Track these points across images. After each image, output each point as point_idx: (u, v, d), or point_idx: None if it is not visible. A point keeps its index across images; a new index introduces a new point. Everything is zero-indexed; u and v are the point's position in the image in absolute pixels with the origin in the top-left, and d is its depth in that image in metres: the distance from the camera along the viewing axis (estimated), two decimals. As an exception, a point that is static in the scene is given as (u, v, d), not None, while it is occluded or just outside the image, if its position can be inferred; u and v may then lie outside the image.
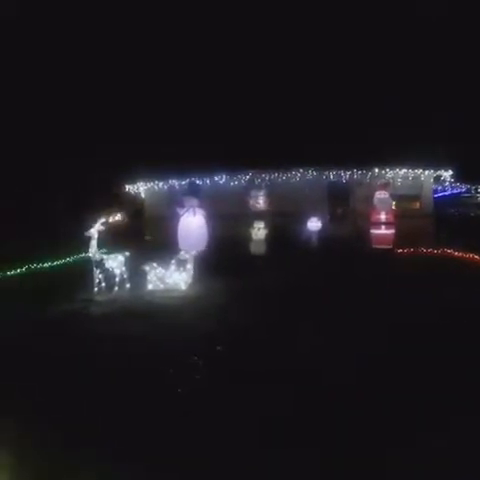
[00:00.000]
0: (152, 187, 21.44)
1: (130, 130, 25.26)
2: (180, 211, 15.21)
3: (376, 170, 20.01)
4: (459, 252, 15.99)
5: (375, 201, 18.09)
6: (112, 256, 10.64)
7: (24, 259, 15.81)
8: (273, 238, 17.01)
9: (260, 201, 20.86)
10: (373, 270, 13.64)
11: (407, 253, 17.52)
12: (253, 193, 20.80)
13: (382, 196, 18.05)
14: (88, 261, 12.00)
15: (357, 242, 18.47)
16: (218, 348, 6.48)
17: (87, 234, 10.58)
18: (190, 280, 10.94)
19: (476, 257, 14.44)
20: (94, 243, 10.54)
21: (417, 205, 21.58)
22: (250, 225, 17.20)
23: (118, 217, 11.02)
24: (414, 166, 20.64)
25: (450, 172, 21.17)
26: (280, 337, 7.20)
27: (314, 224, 18.22)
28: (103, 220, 10.73)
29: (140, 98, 25.86)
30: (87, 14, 30.03)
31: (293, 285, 11.43)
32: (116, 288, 10.58)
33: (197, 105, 21.35)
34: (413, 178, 21.08)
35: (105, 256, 10.60)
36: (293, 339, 7.07)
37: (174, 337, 7.23)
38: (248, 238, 17.14)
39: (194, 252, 11.08)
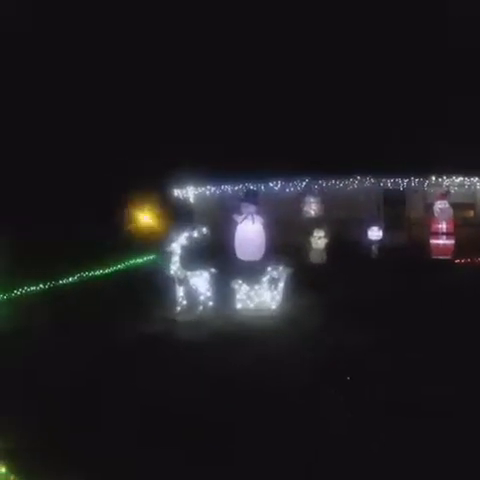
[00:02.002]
0: (203, 192, 20.13)
1: (181, 132, 24.03)
2: (237, 218, 13.92)
3: (433, 178, 18.72)
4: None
5: (436, 210, 16.86)
6: (197, 273, 9.29)
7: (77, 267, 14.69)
8: (333, 247, 15.79)
9: (315, 208, 19.62)
10: (448, 282, 12.28)
11: (465, 263, 16.03)
12: (307, 200, 19.56)
13: (443, 205, 16.82)
14: (148, 270, 10.78)
15: (414, 252, 17.32)
16: (347, 378, 5.38)
17: (169, 249, 9.28)
18: (280, 298, 9.64)
19: None
20: (176, 259, 9.25)
21: (471, 214, 20.30)
22: (308, 233, 16.02)
23: (203, 231, 9.72)
24: (470, 174, 19.34)
25: None
26: (403, 360, 6.03)
27: (375, 233, 16.94)
28: (187, 234, 9.43)
29: (192, 100, 24.64)
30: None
31: (379, 298, 10.20)
32: (200, 307, 9.29)
33: (253, 109, 20.15)
34: (468, 186, 19.71)
35: (189, 273, 9.29)
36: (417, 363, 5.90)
37: (286, 367, 5.97)
38: (307, 247, 15.95)
39: (287, 270, 9.74)
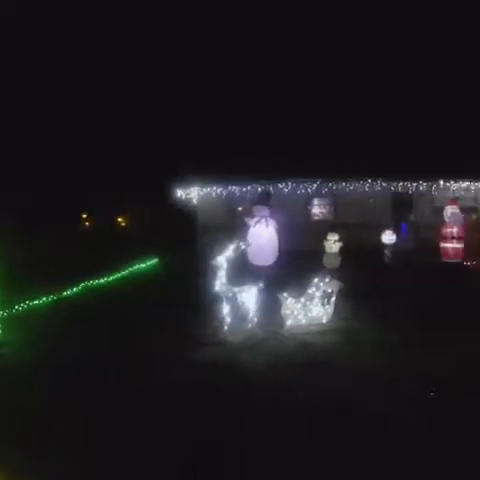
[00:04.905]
0: (209, 193, 19.06)
1: (187, 130, 23.04)
2: (250, 221, 13.07)
3: (441, 182, 18.58)
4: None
5: (447, 215, 16.58)
6: (245, 288, 8.48)
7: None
8: (347, 251, 15.20)
9: (324, 211, 19.03)
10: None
11: (474, 265, 16.24)
12: (317, 202, 18.97)
13: (454, 210, 16.57)
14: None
15: (425, 255, 17.10)
16: (431, 393, 5.19)
17: (214, 263, 8.40)
18: (331, 312, 8.97)
19: None
20: (222, 274, 8.36)
21: (474, 217, 20.19)
22: (321, 237, 15.40)
23: (248, 242, 8.93)
24: (475, 179, 19.25)
25: None
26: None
27: (388, 237, 16.52)
28: (234, 246, 8.61)
29: (200, 98, 23.78)
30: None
31: (415, 305, 9.85)
32: (249, 325, 8.49)
33: (264, 109, 19.42)
34: (473, 190, 19.65)
35: (237, 289, 8.46)
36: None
37: (385, 391, 5.41)
38: (319, 251, 15.30)
39: (340, 284, 9.04)
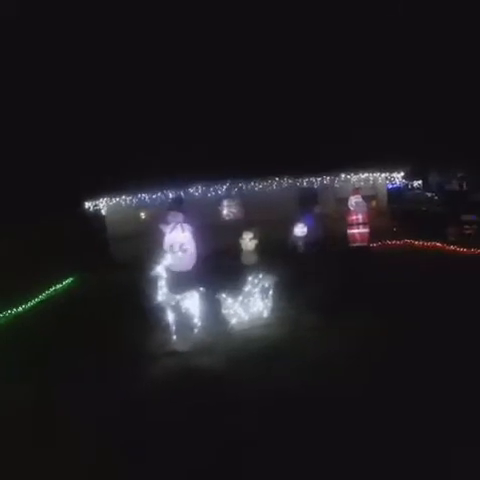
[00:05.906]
0: (118, 203, 18.73)
1: (95, 137, 22.25)
2: (165, 228, 13.27)
3: (342, 175, 20.45)
4: (418, 242, 17.90)
5: (351, 204, 17.82)
6: (188, 295, 8.71)
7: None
8: (262, 247, 15.84)
9: (235, 211, 19.58)
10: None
11: (378, 247, 18.64)
12: (226, 203, 19.49)
13: (357, 199, 17.88)
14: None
15: (334, 242, 18.31)
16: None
17: (153, 274, 8.53)
18: (271, 306, 9.54)
19: (438, 244, 16.67)
20: (163, 284, 8.52)
21: (374, 203, 22.05)
22: (237, 236, 15.85)
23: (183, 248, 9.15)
24: (373, 170, 21.56)
25: (402, 173, 22.55)
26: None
27: (300, 229, 17.33)
28: (170, 254, 8.82)
29: (107, 102, 23.02)
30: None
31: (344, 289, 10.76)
32: (196, 330, 8.75)
33: (168, 114, 19.39)
34: (372, 180, 21.92)
35: (179, 296, 8.67)
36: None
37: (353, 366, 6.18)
38: (236, 249, 15.75)
39: (274, 277, 9.61)
